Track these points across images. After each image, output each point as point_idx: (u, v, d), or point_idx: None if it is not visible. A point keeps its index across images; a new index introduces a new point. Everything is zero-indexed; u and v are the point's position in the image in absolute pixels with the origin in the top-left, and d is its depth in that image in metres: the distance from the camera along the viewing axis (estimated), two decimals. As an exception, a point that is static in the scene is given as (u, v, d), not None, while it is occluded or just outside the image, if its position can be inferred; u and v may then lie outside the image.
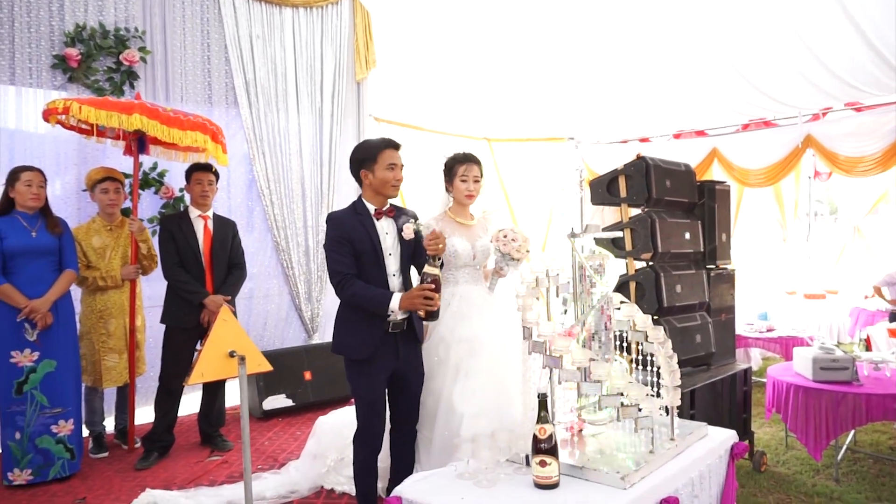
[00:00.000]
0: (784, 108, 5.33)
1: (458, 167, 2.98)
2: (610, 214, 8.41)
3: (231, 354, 2.49)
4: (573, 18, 5.47)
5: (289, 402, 4.59)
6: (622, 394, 2.13)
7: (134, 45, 4.43)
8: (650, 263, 4.01)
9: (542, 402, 2.01)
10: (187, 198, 4.01)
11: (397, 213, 2.72)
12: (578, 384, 2.11)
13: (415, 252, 2.74)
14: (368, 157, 2.61)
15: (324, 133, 5.46)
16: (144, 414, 4.12)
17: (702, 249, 4.24)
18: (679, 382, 2.34)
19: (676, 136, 6.93)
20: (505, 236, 3.04)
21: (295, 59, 5.27)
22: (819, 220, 11.36)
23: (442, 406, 2.71)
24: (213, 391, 4.01)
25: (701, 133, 6.66)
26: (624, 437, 2.28)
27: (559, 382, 2.20)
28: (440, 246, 2.51)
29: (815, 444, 4.47)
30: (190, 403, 4.26)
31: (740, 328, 6.47)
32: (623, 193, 3.98)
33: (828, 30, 4.31)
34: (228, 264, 3.91)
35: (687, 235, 4.10)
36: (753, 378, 5.05)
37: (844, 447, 4.56)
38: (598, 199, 4.18)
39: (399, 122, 6.23)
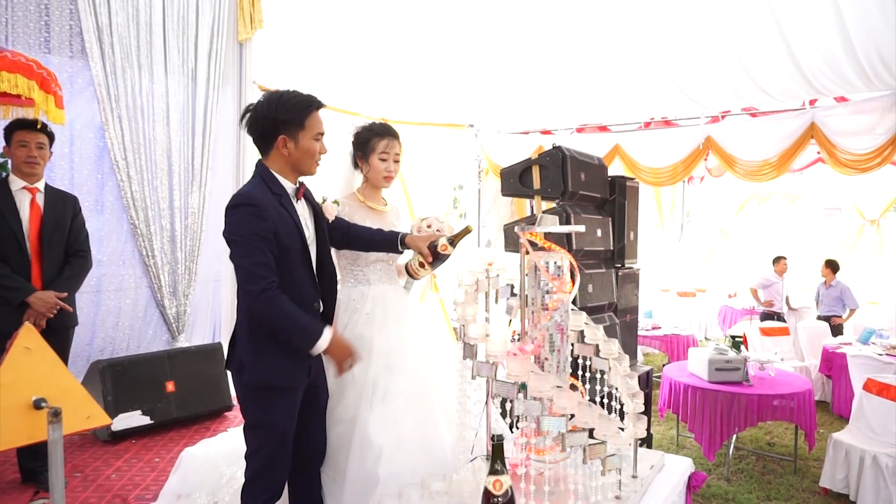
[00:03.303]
0: (689, 106, 5.31)
1: (376, 142, 2.45)
2: (505, 207, 8.19)
3: (37, 405, 1.59)
4: (480, 5, 5.13)
5: (146, 420, 3.76)
6: (591, 431, 1.73)
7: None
8: None
9: (499, 447, 1.55)
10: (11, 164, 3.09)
11: (306, 192, 2.16)
12: (538, 419, 1.68)
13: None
14: (293, 120, 2.00)
15: (197, 99, 4.63)
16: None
17: (611, 248, 4.09)
18: (642, 408, 1.98)
19: (580, 130, 6.81)
20: (429, 226, 2.57)
21: (163, 7, 4.38)
22: (691, 223, 12.01)
23: (356, 437, 2.15)
24: None
25: (604, 128, 6.58)
26: (581, 478, 1.88)
27: (516, 418, 1.75)
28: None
29: (710, 444, 4.49)
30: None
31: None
32: (537, 185, 3.75)
33: (744, 28, 4.26)
34: (66, 251, 3.07)
35: (599, 233, 3.93)
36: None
37: (732, 446, 4.63)
38: (509, 190, 3.91)
39: (287, 92, 5.44)
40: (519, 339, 2.02)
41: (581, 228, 2.11)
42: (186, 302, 4.54)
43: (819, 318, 7.82)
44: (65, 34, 3.95)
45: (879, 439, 4.08)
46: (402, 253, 2.32)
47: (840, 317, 7.62)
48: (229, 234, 1.96)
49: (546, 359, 1.92)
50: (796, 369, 6.12)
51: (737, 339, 5.15)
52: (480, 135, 7.30)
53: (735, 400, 4.72)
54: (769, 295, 8.52)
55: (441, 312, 6.86)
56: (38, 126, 2.97)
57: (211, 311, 4.78)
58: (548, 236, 3.73)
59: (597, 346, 2.18)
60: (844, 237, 10.16)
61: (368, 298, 2.38)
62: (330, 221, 2.27)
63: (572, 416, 1.70)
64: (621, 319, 4.17)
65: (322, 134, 2.07)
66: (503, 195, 4.12)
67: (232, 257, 1.95)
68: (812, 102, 5.15)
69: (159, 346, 4.42)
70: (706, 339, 10.17)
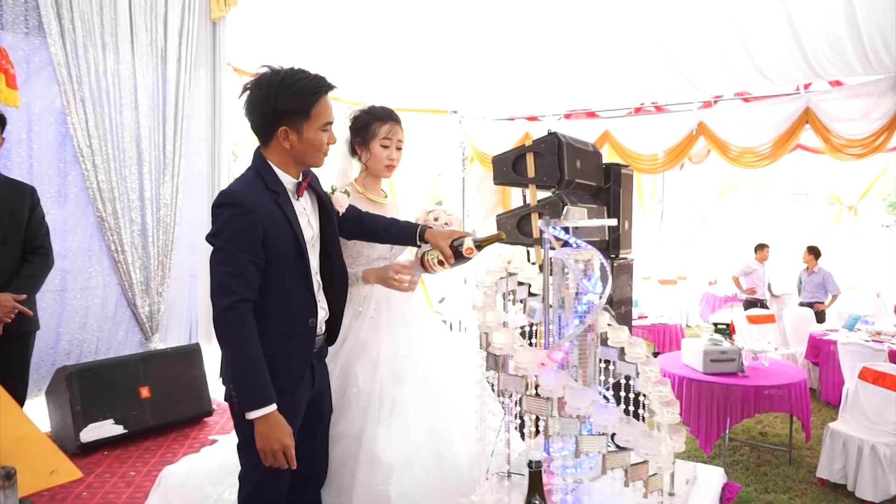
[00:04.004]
0: (683, 88, 5.15)
1: (377, 127, 2.22)
2: (489, 196, 7.99)
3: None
4: None
5: (119, 430, 3.48)
6: (631, 449, 1.54)
7: None
8: None
9: (536, 476, 1.35)
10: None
11: (311, 180, 1.92)
12: (577, 440, 1.49)
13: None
14: (297, 109, 1.73)
15: (168, 81, 4.30)
16: None
17: (606, 238, 3.97)
18: (678, 417, 1.81)
19: (567, 117, 6.63)
20: (436, 219, 2.35)
21: (128, -19, 4.04)
22: (671, 209, 11.99)
23: (363, 453, 1.93)
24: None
25: (592, 114, 6.41)
26: (615, 500, 1.70)
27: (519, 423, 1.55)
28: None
29: (707, 437, 4.41)
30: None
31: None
32: (531, 173, 3.60)
33: (747, 4, 4.10)
34: (24, 248, 2.76)
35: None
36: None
37: (727, 438, 4.57)
38: (501, 179, 3.75)
39: (264, 76, 5.13)
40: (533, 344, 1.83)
41: (613, 222, 1.92)
42: (160, 300, 4.24)
43: (801, 304, 7.83)
44: (19, 8, 3.60)
45: (875, 428, 4.05)
46: (418, 247, 2.09)
47: (822, 303, 7.64)
48: (211, 237, 1.70)
49: (576, 368, 1.73)
50: (784, 357, 6.09)
51: (720, 326, 5.08)
52: (464, 121, 7.07)
53: (731, 392, 4.64)
54: (751, 282, 8.52)
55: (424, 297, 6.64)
56: (-10, 109, 2.65)
57: (186, 309, 4.48)
58: (520, 227, 3.54)
59: (622, 348, 2.00)
60: (822, 222, 10.25)
61: (372, 300, 2.17)
62: (340, 214, 2.02)
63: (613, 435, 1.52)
64: (616, 311, 4.07)
65: (331, 123, 1.81)
66: (495, 183, 3.96)
67: (210, 261, 1.69)
68: (806, 87, 5.05)
69: (131, 348, 4.12)
70: (687, 326, 10.17)
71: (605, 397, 1.88)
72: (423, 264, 2.06)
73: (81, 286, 3.92)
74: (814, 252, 7.73)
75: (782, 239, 9.41)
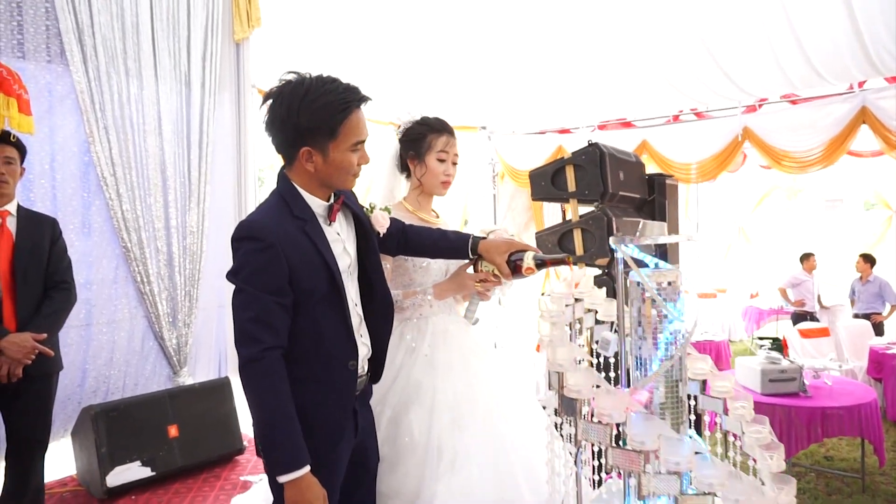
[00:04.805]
0: (727, 90, 4.87)
1: (434, 139, 2.01)
2: (521, 213, 7.76)
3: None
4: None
5: (146, 472, 3.29)
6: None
7: None
8: (606, 271, 3.49)
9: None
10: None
11: (346, 197, 1.69)
12: (679, 501, 1.23)
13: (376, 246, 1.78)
14: (322, 128, 1.51)
15: (192, 106, 4.18)
16: None
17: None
18: (783, 465, 1.54)
19: (601, 128, 6.38)
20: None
21: (151, 5, 3.94)
22: (707, 220, 11.61)
23: None
24: (22, 458, 2.58)
25: (627, 124, 6.16)
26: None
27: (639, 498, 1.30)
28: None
29: (771, 465, 4.10)
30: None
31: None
32: (572, 187, 3.43)
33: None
34: (45, 283, 2.61)
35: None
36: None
37: (790, 464, 4.21)
38: (540, 194, 3.57)
39: (289, 98, 5.01)
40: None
41: (691, 236, 1.67)
42: (188, 332, 4.08)
43: (856, 315, 7.41)
44: (40, 36, 3.51)
45: (960, 451, 3.68)
46: (470, 261, 1.87)
47: (880, 314, 7.21)
48: (232, 276, 1.50)
49: (664, 409, 1.48)
50: (843, 373, 5.71)
51: (770, 341, 4.77)
52: (494, 137, 6.87)
53: (794, 414, 4.32)
54: (799, 294, 8.11)
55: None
56: (7, 138, 2.51)
57: (216, 340, 4.31)
58: (561, 244, 3.29)
59: (704, 381, 1.74)
60: (870, 229, 9.77)
61: (427, 335, 1.93)
62: (381, 235, 1.80)
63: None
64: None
65: (362, 141, 1.58)
66: (533, 199, 3.80)
67: (232, 303, 1.49)
68: (861, 85, 4.74)
69: (159, 382, 3.95)
70: (731, 341, 9.76)
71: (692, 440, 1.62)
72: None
73: (107, 319, 3.78)
74: (869, 260, 7.32)
75: (823, 247, 9.00)
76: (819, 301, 8.23)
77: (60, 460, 3.38)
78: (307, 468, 1.43)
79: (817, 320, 7.65)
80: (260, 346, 1.42)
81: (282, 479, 1.41)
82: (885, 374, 5.84)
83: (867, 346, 6.05)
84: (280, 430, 1.43)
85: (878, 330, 6.95)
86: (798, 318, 7.85)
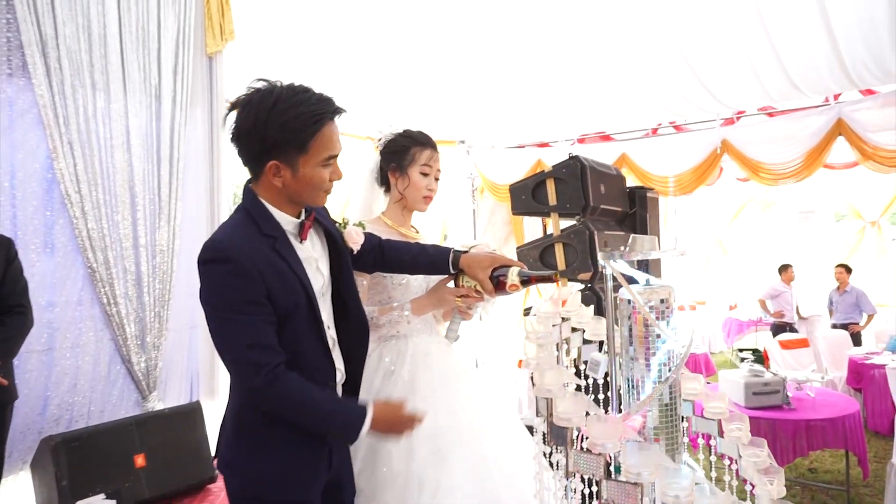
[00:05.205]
0: (705, 103, 4.89)
1: (418, 152, 1.94)
2: (500, 228, 7.71)
3: None
4: (466, 11, 4.68)
5: (111, 504, 3.13)
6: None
7: None
8: (589, 285, 3.42)
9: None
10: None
11: (317, 213, 1.61)
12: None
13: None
14: (291, 141, 1.42)
15: (162, 120, 4.05)
16: None
17: None
18: (783, 490, 1.46)
19: (581, 141, 6.38)
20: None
21: (119, 16, 3.81)
22: (683, 232, 11.69)
23: None
24: None
25: (607, 137, 6.16)
26: None
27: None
28: None
29: (755, 480, 4.05)
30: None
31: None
32: (553, 201, 3.37)
33: (780, 9, 3.85)
34: (-1, 308, 2.46)
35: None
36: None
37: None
38: (520, 208, 3.50)
39: (264, 112, 4.91)
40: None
41: (681, 250, 1.60)
42: (157, 354, 3.91)
43: (834, 326, 7.47)
44: (1, 48, 3.37)
45: (942, 460, 3.69)
46: (451, 276, 1.78)
47: (858, 324, 7.27)
48: (204, 303, 1.40)
49: (658, 434, 1.40)
50: (823, 383, 5.72)
51: (750, 353, 4.76)
52: (473, 151, 6.82)
53: (779, 427, 4.30)
54: (778, 305, 8.17)
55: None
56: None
57: (187, 362, 4.14)
58: (543, 259, 3.22)
59: (718, 422, 1.66)
60: (844, 240, 9.91)
61: (407, 357, 1.83)
62: (354, 252, 1.72)
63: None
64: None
65: (335, 156, 1.50)
66: (514, 213, 3.73)
67: (212, 335, 1.39)
68: (836, 97, 4.80)
69: (127, 408, 3.77)
70: (711, 353, 9.80)
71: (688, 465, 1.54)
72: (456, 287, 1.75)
73: (71, 344, 3.60)
74: (848, 270, 7.39)
75: (797, 258, 9.12)
76: (798, 312, 8.30)
77: (18, 495, 3.19)
78: (371, 407, 1.47)
79: (796, 331, 7.70)
80: (265, 370, 1.35)
81: (365, 430, 1.44)
82: (864, 385, 5.87)
83: (846, 357, 6.08)
84: (326, 408, 1.44)
85: (857, 340, 7.00)
86: (777, 329, 7.89)
